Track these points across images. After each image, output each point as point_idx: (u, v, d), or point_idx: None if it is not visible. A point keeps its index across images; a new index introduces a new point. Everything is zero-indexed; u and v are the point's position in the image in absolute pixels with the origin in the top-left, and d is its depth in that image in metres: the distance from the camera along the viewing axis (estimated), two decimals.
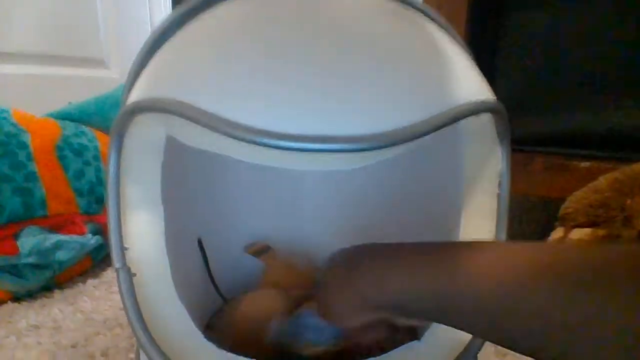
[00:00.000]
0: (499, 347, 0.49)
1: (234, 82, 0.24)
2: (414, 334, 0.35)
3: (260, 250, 0.58)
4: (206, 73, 0.25)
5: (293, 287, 0.51)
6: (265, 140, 0.22)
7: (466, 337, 0.33)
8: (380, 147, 0.23)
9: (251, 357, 0.32)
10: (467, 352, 0.33)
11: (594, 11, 0.68)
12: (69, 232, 0.61)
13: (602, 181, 0.53)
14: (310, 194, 0.60)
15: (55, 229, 0.60)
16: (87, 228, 0.63)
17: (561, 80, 0.71)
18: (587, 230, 0.54)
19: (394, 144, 0.23)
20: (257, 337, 0.40)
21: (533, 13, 0.72)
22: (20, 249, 0.56)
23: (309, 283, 0.51)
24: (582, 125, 0.70)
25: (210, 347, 0.32)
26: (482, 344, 0.33)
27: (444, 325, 0.34)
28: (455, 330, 0.34)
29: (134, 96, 0.29)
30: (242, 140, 0.23)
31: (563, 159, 0.70)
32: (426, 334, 0.35)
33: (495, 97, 0.30)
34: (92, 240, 0.62)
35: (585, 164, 0.68)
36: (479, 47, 0.75)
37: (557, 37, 0.71)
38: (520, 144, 0.72)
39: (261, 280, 0.54)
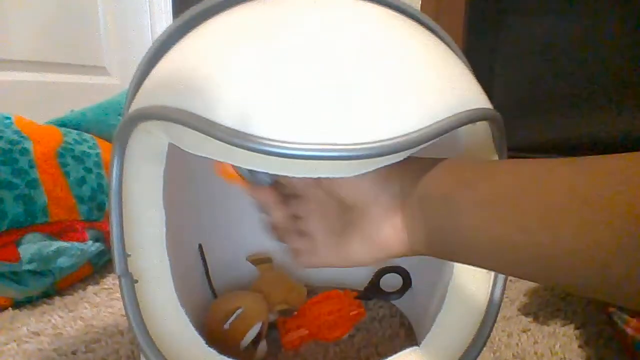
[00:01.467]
0: (499, 352, 0.49)
1: (234, 90, 0.25)
2: (413, 340, 0.35)
3: (261, 260, 0.58)
4: (207, 81, 0.26)
5: (278, 300, 0.51)
6: (265, 148, 0.23)
7: (465, 341, 0.33)
8: (377, 155, 0.23)
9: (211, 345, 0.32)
10: (466, 356, 0.33)
11: (592, 18, 0.69)
12: (70, 238, 0.61)
13: None
14: None
15: (56, 235, 0.60)
16: (88, 235, 0.63)
17: (559, 86, 0.72)
18: None
19: (391, 152, 0.23)
20: (224, 331, 0.43)
21: (530, 20, 0.73)
22: (21, 255, 0.56)
23: (296, 301, 0.52)
24: (579, 132, 0.71)
25: (212, 354, 0.32)
26: (481, 348, 0.33)
27: (443, 331, 0.35)
28: (454, 335, 0.34)
29: (136, 104, 0.30)
30: (242, 148, 0.23)
31: None
32: (425, 339, 0.35)
33: (491, 105, 0.30)
34: (92, 247, 0.63)
35: None
36: (477, 54, 0.76)
37: (555, 44, 0.72)
38: (518, 151, 0.72)
39: (251, 288, 0.54)
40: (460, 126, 0.26)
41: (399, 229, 0.29)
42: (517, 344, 0.51)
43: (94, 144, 0.71)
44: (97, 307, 0.58)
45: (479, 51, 0.76)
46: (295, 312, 0.50)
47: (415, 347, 0.34)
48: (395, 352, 0.34)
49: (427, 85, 0.26)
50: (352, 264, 0.32)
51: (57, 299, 0.60)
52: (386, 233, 0.30)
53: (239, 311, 0.45)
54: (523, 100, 0.74)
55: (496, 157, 0.33)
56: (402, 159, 0.27)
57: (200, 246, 0.52)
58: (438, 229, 0.27)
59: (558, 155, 0.72)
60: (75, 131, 0.71)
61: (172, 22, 0.34)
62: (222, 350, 0.32)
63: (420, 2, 0.79)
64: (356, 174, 0.28)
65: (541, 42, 0.72)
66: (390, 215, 0.29)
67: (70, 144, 0.66)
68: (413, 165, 0.29)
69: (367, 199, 0.30)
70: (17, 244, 0.56)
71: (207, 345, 0.32)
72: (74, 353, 0.48)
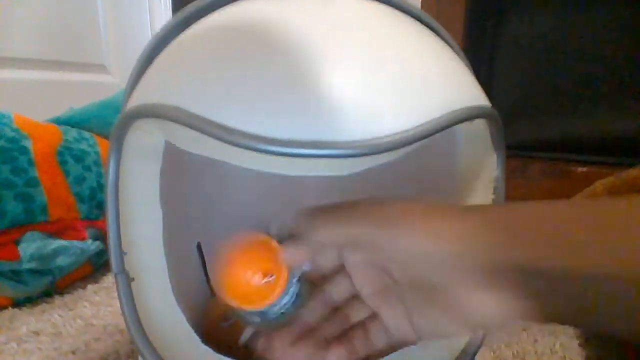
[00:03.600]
0: (499, 351, 0.49)
1: (229, 88, 0.24)
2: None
3: None
4: (203, 79, 0.26)
5: None
6: (260, 146, 0.23)
7: (463, 339, 0.33)
8: (373, 153, 0.23)
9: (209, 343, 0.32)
10: (465, 354, 0.33)
11: (592, 17, 0.68)
12: (70, 237, 0.61)
13: (599, 186, 0.53)
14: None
15: (56, 234, 0.60)
16: (87, 233, 0.63)
17: (558, 86, 0.72)
18: None
19: (387, 150, 0.23)
20: (222, 328, 0.42)
21: (530, 19, 0.73)
22: (21, 254, 0.56)
23: None
24: (579, 131, 0.71)
25: (209, 353, 0.32)
26: (479, 346, 0.33)
27: None
28: None
29: (133, 102, 0.30)
30: (238, 146, 0.23)
31: (560, 164, 0.70)
32: None
33: (489, 103, 0.30)
34: (92, 245, 0.63)
35: (582, 169, 0.68)
36: (477, 52, 0.76)
37: (555, 43, 0.71)
38: (518, 149, 0.72)
39: None
40: (456, 124, 0.26)
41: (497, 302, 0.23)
42: (517, 343, 0.51)
43: (93, 142, 0.71)
44: (97, 306, 0.58)
45: (480, 50, 0.75)
46: None
47: (412, 346, 0.34)
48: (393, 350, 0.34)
49: (424, 83, 0.26)
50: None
51: (57, 298, 0.60)
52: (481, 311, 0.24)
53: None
54: (523, 99, 0.74)
55: (494, 155, 0.33)
56: (398, 157, 0.27)
57: (198, 245, 0.52)
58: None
59: (557, 153, 0.72)
60: (75, 129, 0.71)
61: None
62: (220, 348, 0.32)
63: (420, 0, 0.78)
64: (351, 172, 0.28)
65: (542, 41, 0.72)
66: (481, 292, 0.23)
67: (69, 142, 0.66)
68: (498, 220, 0.24)
69: (448, 279, 0.24)
70: (17, 242, 0.56)
71: (203, 344, 0.32)
72: (73, 352, 0.48)
